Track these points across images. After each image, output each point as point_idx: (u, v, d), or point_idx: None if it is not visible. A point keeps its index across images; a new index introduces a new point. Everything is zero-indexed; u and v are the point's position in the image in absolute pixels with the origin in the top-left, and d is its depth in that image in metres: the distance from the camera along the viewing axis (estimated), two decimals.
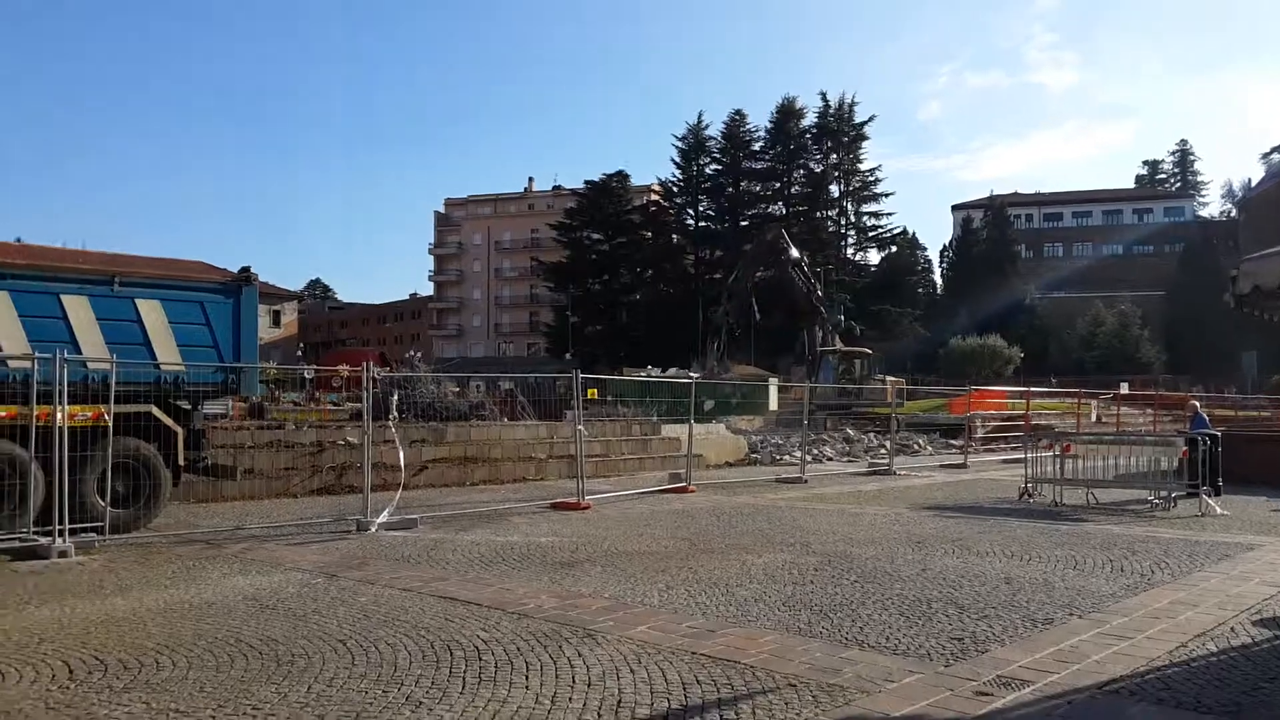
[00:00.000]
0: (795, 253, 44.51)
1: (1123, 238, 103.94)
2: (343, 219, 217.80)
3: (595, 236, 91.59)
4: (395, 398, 14.50)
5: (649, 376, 32.46)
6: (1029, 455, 16.13)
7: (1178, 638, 6.51)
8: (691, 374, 30.29)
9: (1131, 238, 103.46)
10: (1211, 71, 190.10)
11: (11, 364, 10.51)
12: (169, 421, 11.66)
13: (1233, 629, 6.80)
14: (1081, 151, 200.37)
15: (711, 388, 31.54)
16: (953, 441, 29.44)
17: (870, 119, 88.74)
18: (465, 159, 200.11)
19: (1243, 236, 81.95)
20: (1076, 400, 35.06)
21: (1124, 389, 37.23)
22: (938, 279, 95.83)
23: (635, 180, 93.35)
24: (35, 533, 10.08)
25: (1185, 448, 14.62)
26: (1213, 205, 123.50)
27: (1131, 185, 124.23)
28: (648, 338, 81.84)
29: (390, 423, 13.52)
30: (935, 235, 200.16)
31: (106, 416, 10.62)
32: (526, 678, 5.55)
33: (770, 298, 46.19)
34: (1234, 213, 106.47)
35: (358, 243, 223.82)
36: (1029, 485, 15.64)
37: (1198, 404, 19.09)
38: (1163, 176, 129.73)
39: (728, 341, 41.23)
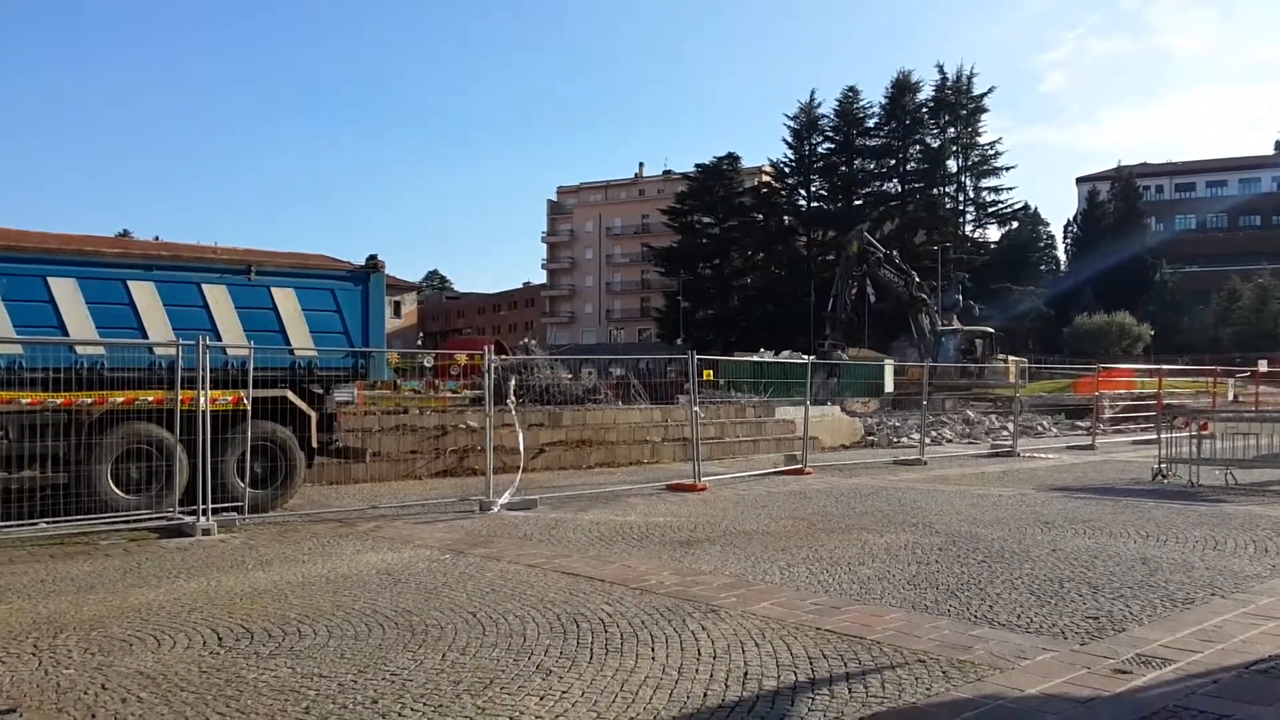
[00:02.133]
0: (881, 251, 43.60)
1: (1261, 207, 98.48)
2: (458, 209, 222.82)
3: (706, 220, 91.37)
4: (513, 382, 14.80)
5: (762, 359, 32.30)
6: (1163, 435, 15.50)
7: None
8: (804, 357, 30.02)
9: (1271, 207, 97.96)
10: None
11: (157, 351, 11.07)
12: (303, 405, 12.11)
13: None
14: (1215, 117, 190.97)
15: (825, 369, 31.20)
16: (1079, 423, 28.50)
17: (990, 90, 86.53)
18: (577, 146, 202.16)
19: None
20: (1212, 379, 33.49)
21: (1263, 367, 35.38)
22: (1061, 255, 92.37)
23: (746, 162, 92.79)
24: (180, 512, 10.64)
25: None
26: None
27: (1270, 151, 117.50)
28: (760, 321, 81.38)
29: (510, 406, 13.78)
30: (1058, 209, 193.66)
31: (245, 401, 11.11)
32: (652, 649, 5.62)
33: (877, 286, 45.36)
34: None
35: (473, 233, 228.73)
36: (1163, 466, 15.04)
37: None
38: None
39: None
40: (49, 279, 10.60)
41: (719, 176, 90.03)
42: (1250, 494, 13.30)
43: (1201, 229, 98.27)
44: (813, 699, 4.73)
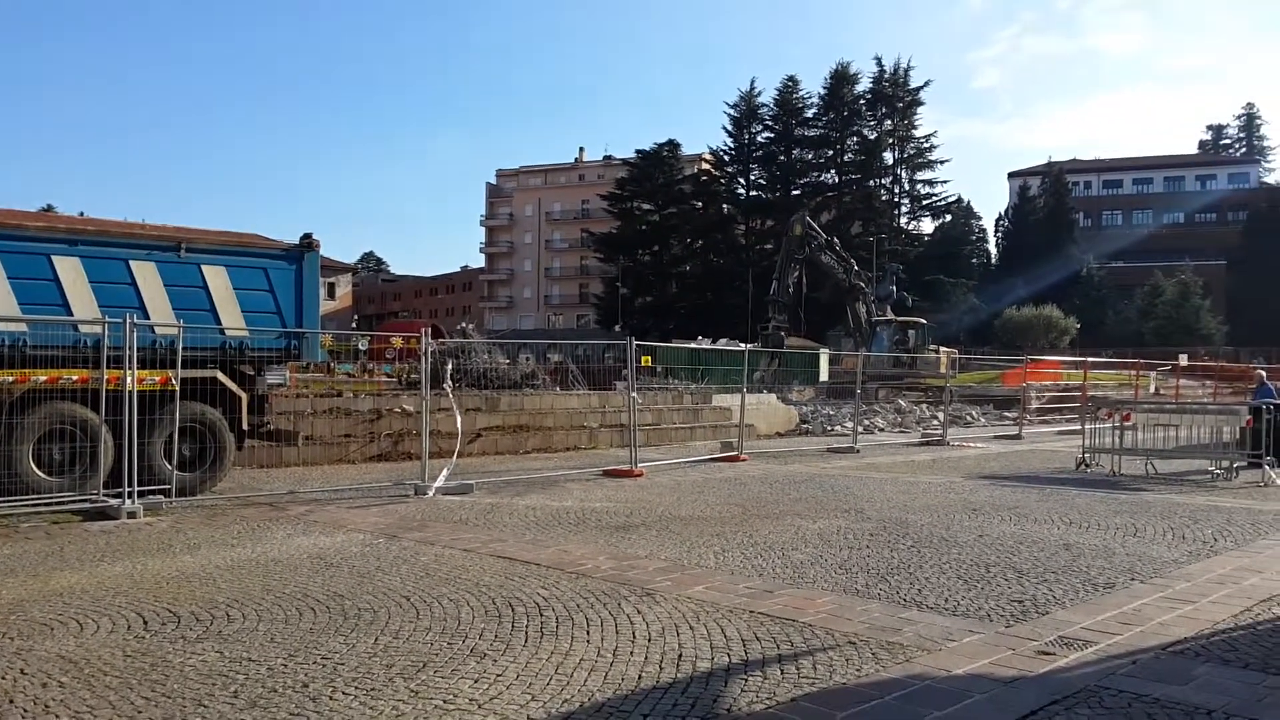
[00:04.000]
0: (823, 237, 44.16)
1: (1184, 205, 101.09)
2: (396, 191, 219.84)
3: (646, 207, 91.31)
4: (450, 366, 14.69)
5: (700, 346, 32.47)
6: (1087, 425, 15.92)
7: (1242, 602, 6.44)
8: (742, 345, 30.25)
9: (1194, 205, 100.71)
10: None
11: (82, 329, 10.77)
12: (233, 386, 11.89)
13: None
14: (1143, 117, 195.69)
15: (768, 355, 31.47)
16: (1007, 413, 29.14)
17: (926, 84, 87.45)
18: (517, 129, 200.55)
19: None
20: (1135, 372, 34.43)
21: (1183, 360, 36.44)
22: (993, 248, 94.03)
23: (686, 150, 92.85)
24: (105, 494, 10.41)
25: (1250, 417, 14.35)
26: None
27: (1194, 151, 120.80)
28: (698, 309, 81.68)
29: (447, 390, 13.68)
30: (991, 203, 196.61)
31: (174, 381, 10.86)
32: (588, 632, 5.64)
33: (813, 276, 45.90)
34: None
35: (411, 215, 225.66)
36: (1086, 455, 15.45)
37: (1263, 373, 18.66)
38: (1227, 142, 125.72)
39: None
40: None
41: (659, 163, 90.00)
42: (1170, 483, 13.72)
43: (1127, 224, 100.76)
44: (745, 680, 4.79)
